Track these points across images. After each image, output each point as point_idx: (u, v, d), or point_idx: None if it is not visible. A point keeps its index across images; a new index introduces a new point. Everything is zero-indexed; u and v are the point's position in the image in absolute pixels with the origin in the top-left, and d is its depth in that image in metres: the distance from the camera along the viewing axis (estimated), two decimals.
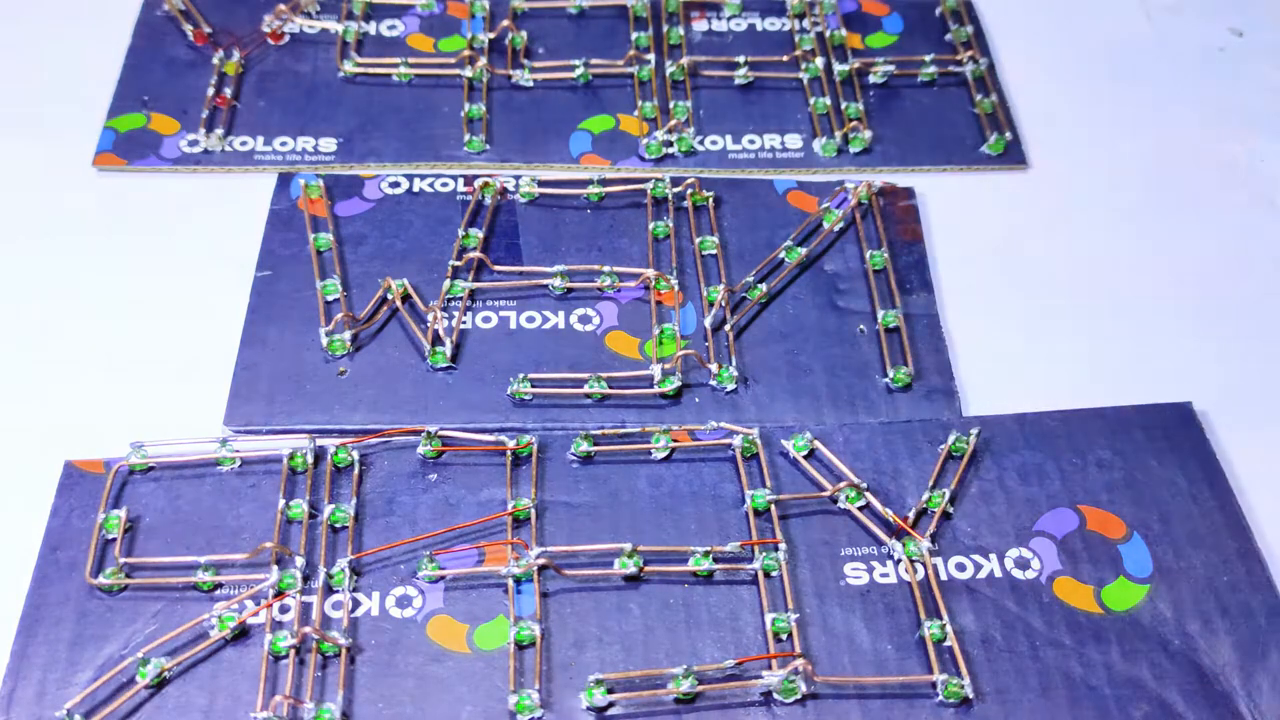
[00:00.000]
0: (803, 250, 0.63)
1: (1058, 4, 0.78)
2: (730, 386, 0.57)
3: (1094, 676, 0.49)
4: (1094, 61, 0.74)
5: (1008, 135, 0.68)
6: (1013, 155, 0.68)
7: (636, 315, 0.60)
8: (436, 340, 0.58)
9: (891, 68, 0.71)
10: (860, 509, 0.54)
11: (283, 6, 0.72)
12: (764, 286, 0.61)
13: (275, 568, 0.51)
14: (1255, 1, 0.78)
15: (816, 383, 0.58)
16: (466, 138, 0.67)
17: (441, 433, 0.55)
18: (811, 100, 0.70)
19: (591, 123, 0.69)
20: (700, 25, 0.74)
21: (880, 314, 0.60)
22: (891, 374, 0.58)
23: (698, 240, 0.63)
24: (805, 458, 0.55)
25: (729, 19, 0.74)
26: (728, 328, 0.60)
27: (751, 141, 0.68)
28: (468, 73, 0.70)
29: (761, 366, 0.59)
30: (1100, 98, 0.72)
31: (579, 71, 0.70)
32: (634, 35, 0.72)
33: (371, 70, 0.71)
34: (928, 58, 0.71)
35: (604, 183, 0.65)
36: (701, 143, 0.68)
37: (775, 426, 0.56)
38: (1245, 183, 0.68)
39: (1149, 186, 0.68)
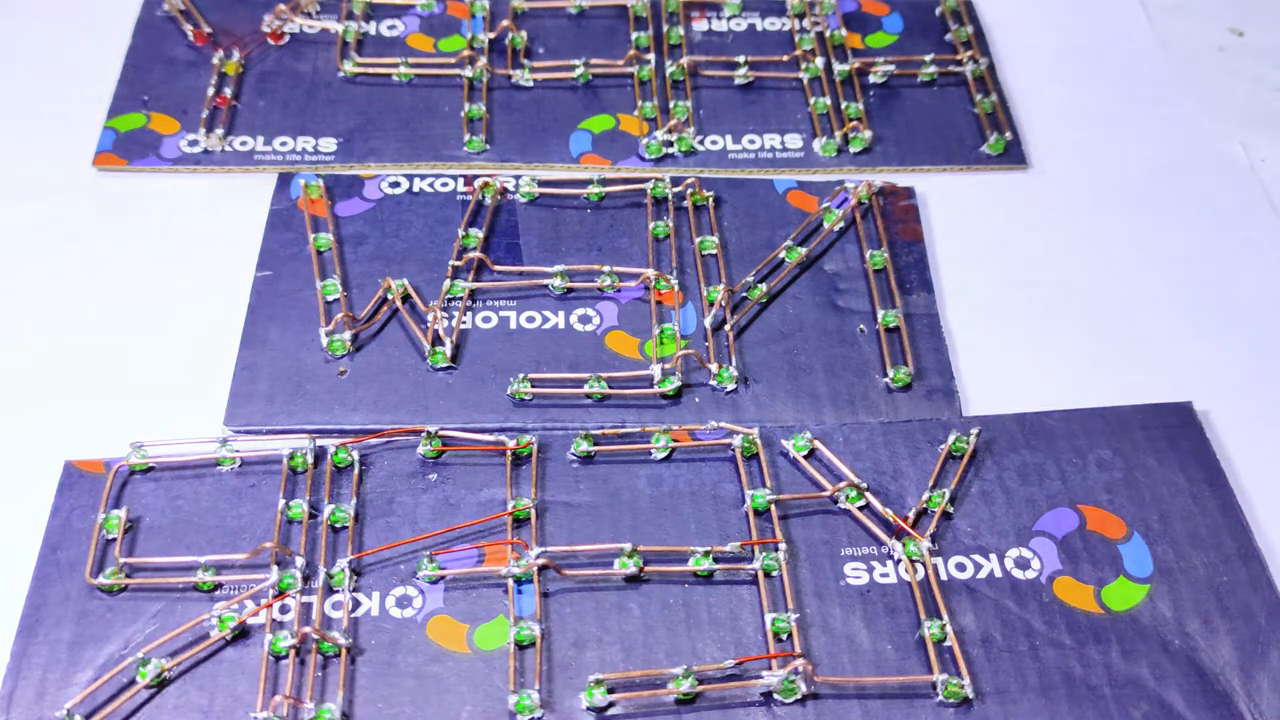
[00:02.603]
0: (803, 250, 0.63)
1: (1058, 4, 0.78)
2: (730, 386, 0.57)
3: (1094, 676, 0.49)
4: (1094, 61, 0.74)
5: (1008, 135, 0.68)
6: (1013, 155, 0.68)
7: (636, 315, 0.60)
8: (436, 340, 0.58)
9: (891, 68, 0.71)
10: (860, 509, 0.54)
11: (283, 6, 0.72)
12: (764, 286, 0.61)
13: (275, 568, 0.51)
14: (1255, 1, 0.78)
15: (816, 383, 0.58)
16: (466, 138, 0.67)
17: (441, 433, 0.55)
18: (811, 100, 0.70)
19: (591, 123, 0.69)
20: (700, 25, 0.74)
21: (880, 314, 0.60)
22: (891, 374, 0.58)
23: (698, 240, 0.63)
24: (805, 458, 0.55)
25: (729, 19, 0.74)
26: (728, 328, 0.60)
27: (751, 141, 0.68)
28: (468, 73, 0.70)
29: (761, 366, 0.59)
30: (1100, 97, 0.72)
31: (579, 71, 0.70)
32: (634, 35, 0.72)
33: (371, 70, 0.71)
34: (928, 58, 0.71)
35: (604, 183, 0.65)
36: (701, 143, 0.68)
37: (775, 426, 0.56)
38: (1245, 183, 0.68)
39: (1149, 186, 0.68)
